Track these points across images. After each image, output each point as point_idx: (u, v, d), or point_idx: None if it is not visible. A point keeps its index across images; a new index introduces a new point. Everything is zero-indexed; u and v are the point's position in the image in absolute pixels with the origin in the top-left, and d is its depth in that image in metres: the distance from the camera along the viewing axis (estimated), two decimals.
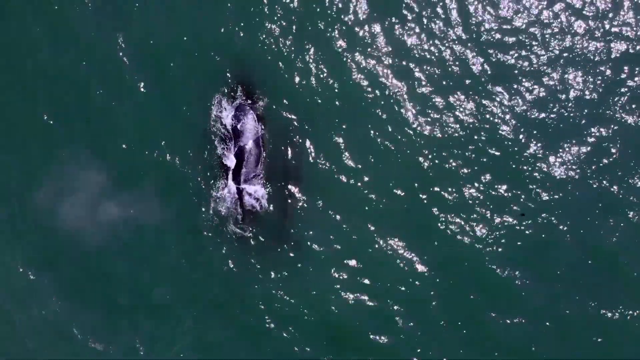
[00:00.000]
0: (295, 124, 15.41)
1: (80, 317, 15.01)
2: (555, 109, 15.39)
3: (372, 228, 15.00)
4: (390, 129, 15.35)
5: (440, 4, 15.69)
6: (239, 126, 15.05)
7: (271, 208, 15.13)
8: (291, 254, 14.90)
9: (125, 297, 15.08)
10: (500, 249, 14.87)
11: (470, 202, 15.07)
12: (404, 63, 15.58)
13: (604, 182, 15.01)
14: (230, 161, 15.13)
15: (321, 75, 15.54)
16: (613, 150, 15.12)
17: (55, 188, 15.34)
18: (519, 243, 14.89)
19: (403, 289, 14.70)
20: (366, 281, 14.79)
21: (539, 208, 15.00)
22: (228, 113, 15.23)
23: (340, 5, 15.73)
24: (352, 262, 14.87)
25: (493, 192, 15.13)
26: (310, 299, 14.67)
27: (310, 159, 15.25)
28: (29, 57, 15.97)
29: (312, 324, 14.59)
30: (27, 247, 15.33)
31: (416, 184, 15.17)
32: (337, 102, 15.48)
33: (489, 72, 15.53)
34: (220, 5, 15.84)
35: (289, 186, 15.18)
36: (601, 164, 15.07)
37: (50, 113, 15.76)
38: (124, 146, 15.48)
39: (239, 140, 15.08)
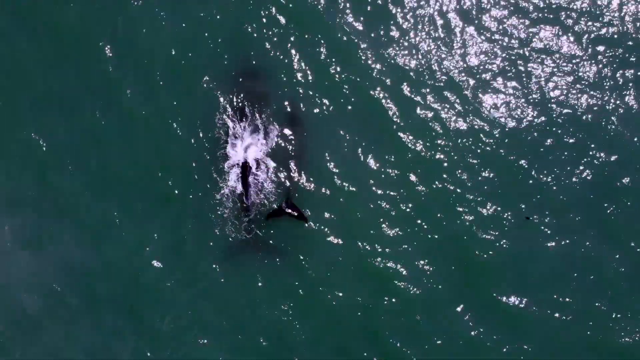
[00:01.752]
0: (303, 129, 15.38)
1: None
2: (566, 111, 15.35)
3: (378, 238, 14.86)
4: (395, 137, 15.28)
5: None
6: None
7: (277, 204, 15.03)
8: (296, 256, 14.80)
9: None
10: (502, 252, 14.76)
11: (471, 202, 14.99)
12: (416, 67, 15.61)
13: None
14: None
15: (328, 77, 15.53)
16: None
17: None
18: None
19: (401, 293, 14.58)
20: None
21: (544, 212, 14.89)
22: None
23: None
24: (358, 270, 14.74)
25: (495, 195, 15.03)
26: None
27: (315, 162, 15.19)
28: None
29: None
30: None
31: (418, 188, 15.04)
32: (347, 107, 15.42)
33: (494, 79, 15.51)
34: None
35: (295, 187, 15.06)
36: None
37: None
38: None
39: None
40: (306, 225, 14.69)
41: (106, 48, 15.55)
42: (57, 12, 15.79)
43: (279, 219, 14.85)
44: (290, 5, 15.70)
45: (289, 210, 14.71)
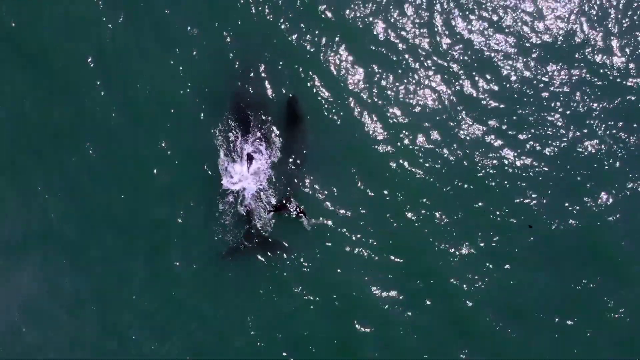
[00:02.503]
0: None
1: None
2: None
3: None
4: (397, 147, 15.34)
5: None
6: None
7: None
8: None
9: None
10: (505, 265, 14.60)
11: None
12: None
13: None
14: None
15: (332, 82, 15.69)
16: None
17: None
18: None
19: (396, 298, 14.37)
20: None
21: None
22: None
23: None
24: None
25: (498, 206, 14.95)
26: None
27: (314, 169, 15.17)
28: None
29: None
30: None
31: (420, 196, 15.01)
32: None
33: (496, 93, 15.79)
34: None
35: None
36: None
37: None
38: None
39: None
40: (306, 222, 14.62)
41: (93, 73, 15.67)
42: (46, 40, 15.99)
43: (279, 214, 14.79)
44: (282, 27, 16.06)
45: (290, 206, 14.74)
